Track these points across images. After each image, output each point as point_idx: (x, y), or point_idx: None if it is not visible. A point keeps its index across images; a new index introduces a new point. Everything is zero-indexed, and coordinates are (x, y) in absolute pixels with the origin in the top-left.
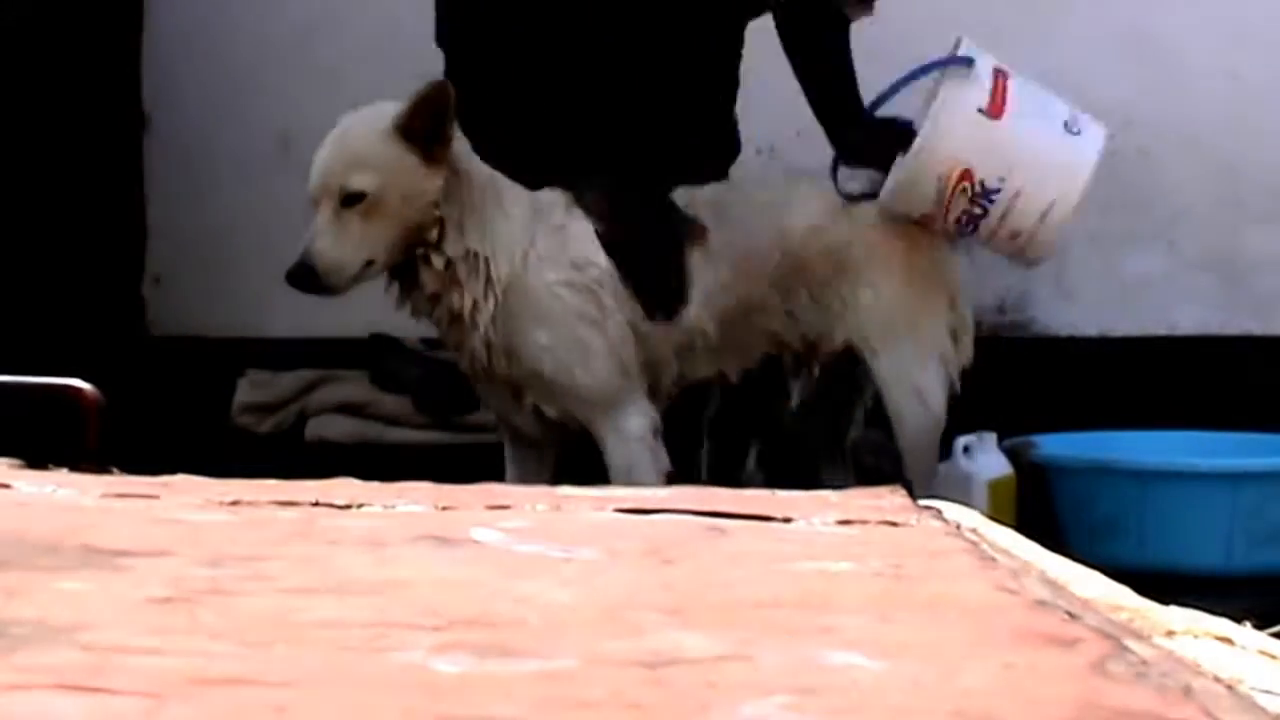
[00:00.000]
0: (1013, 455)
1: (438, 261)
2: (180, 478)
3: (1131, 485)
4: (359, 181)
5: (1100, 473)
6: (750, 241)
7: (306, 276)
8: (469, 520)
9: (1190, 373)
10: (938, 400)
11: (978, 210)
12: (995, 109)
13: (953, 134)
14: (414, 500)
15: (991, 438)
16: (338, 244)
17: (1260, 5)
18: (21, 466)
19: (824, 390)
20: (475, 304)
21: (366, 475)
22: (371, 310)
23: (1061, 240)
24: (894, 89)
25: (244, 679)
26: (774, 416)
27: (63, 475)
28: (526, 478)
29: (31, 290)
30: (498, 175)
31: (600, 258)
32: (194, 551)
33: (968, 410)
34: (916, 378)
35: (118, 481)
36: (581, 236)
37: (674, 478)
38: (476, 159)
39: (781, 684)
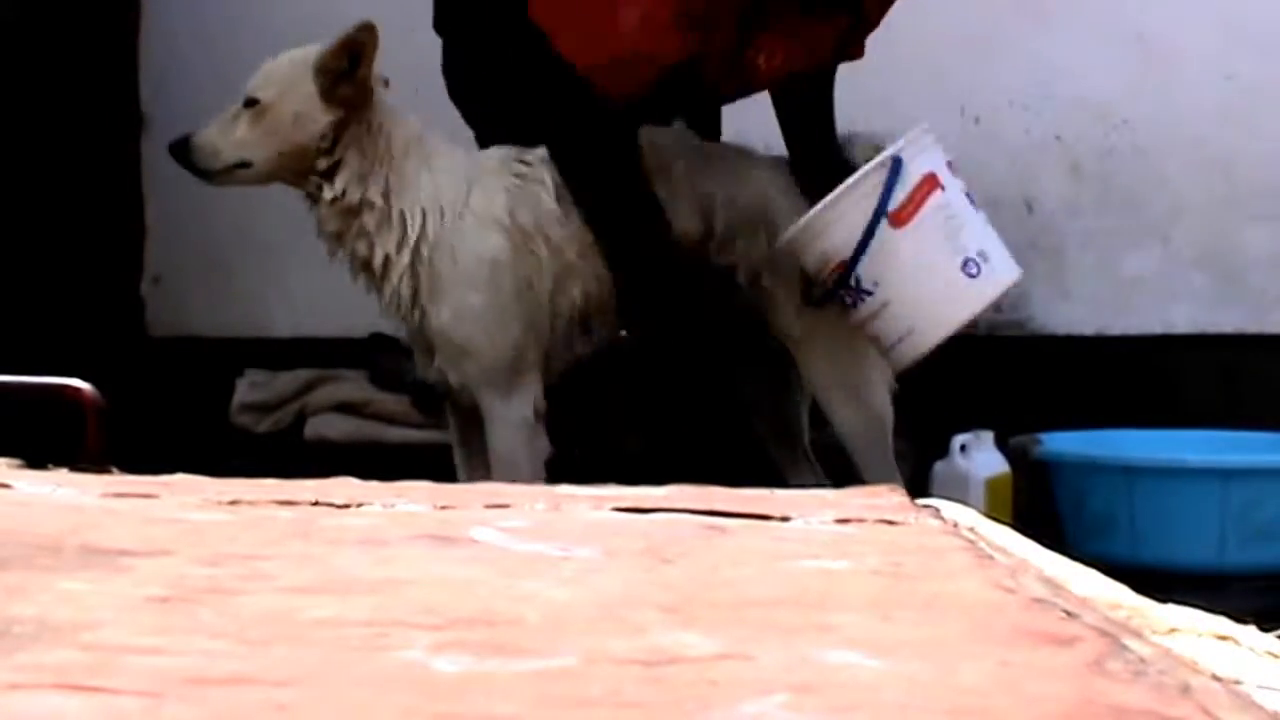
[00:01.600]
0: (1016, 452)
1: (326, 195)
2: (180, 477)
3: (1124, 482)
4: (257, 90)
5: (1093, 469)
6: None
7: (180, 147)
8: (468, 519)
9: (1186, 371)
10: (880, 398)
11: (849, 300)
12: (900, 217)
13: (842, 222)
14: (413, 499)
15: (989, 436)
16: (220, 133)
17: (1256, 4)
18: (21, 466)
19: (766, 387)
20: (388, 258)
21: (365, 475)
22: (371, 310)
23: (937, 347)
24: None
25: (244, 678)
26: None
27: (63, 475)
28: (470, 460)
29: (31, 291)
30: (430, 135)
31: (549, 207)
32: (194, 551)
33: (965, 409)
34: (851, 376)
35: (117, 481)
36: (529, 192)
37: (556, 461)
38: (402, 116)
39: (780, 682)
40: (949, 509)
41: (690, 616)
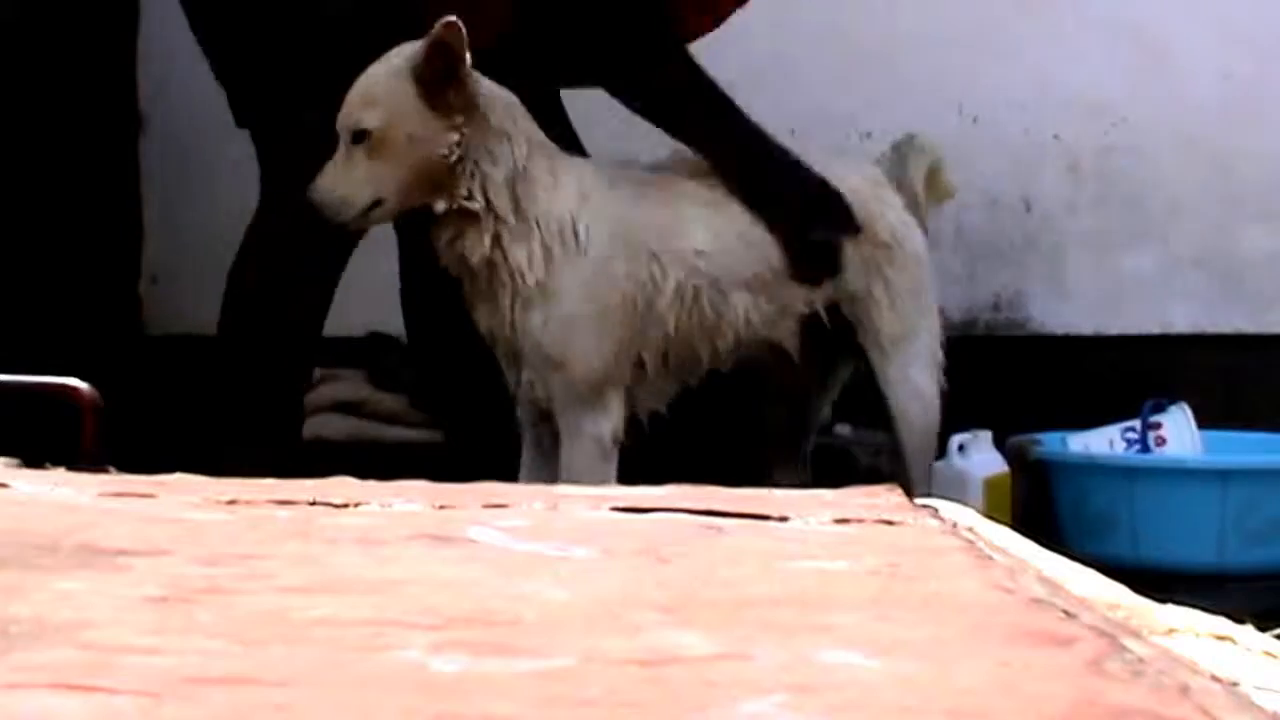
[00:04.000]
0: (1015, 453)
1: (440, 207)
2: (177, 477)
3: (1123, 482)
4: (365, 118)
5: (1093, 470)
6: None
7: (311, 210)
8: (466, 519)
9: (1184, 371)
10: (935, 401)
11: None
12: None
13: None
14: (411, 499)
15: (987, 436)
16: (343, 179)
17: (1255, 4)
18: (19, 466)
19: (796, 386)
20: (510, 266)
21: (364, 474)
22: (370, 310)
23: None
24: None
25: (242, 678)
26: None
27: (60, 474)
28: (536, 467)
29: (28, 290)
30: (545, 140)
31: (665, 223)
32: (192, 550)
33: (963, 409)
34: (917, 380)
35: (115, 480)
36: (627, 205)
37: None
38: (518, 113)
39: (779, 682)
40: (947, 509)
41: (688, 616)
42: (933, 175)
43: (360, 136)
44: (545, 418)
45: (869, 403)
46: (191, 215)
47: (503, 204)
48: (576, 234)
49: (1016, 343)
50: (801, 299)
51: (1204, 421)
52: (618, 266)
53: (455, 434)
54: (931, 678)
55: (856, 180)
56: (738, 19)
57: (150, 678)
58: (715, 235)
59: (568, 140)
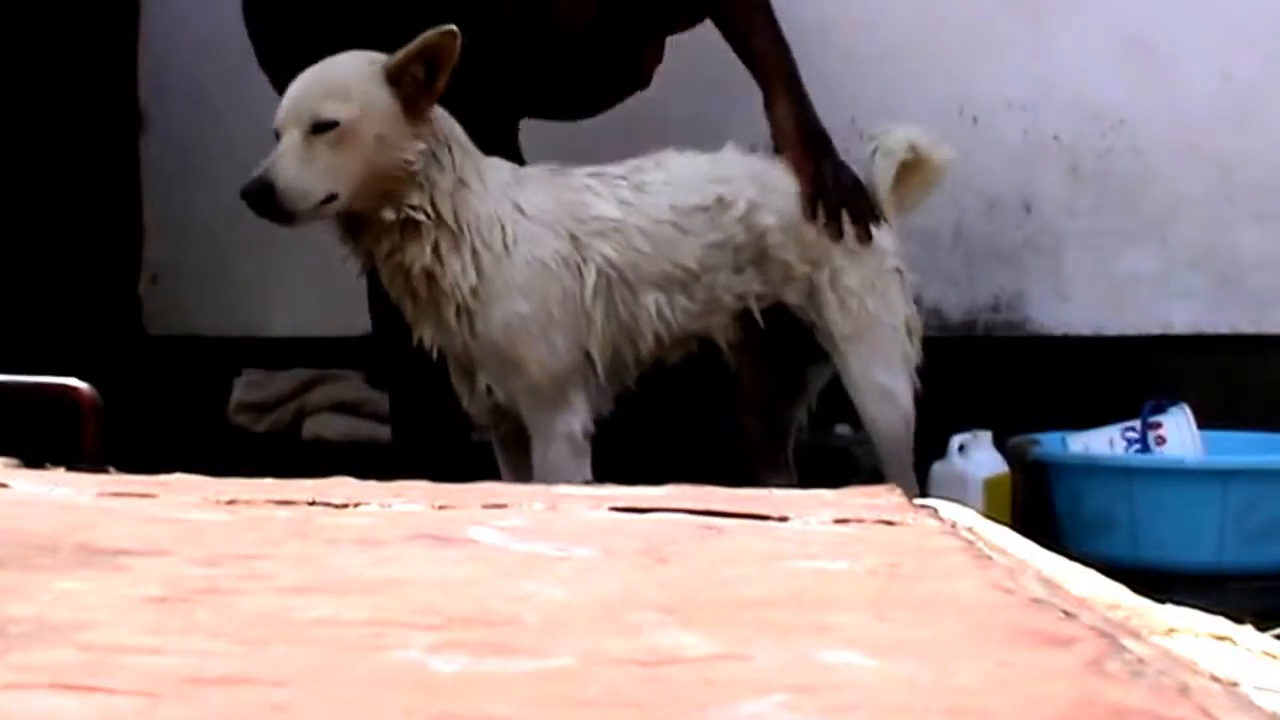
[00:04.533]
0: (1013, 453)
1: (388, 216)
2: (177, 477)
3: (1123, 482)
4: (332, 109)
5: (1092, 470)
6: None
7: (264, 195)
8: (466, 519)
9: (1183, 371)
10: (905, 399)
11: None
12: None
13: None
14: (410, 499)
15: (986, 436)
16: (302, 167)
17: (1253, 5)
18: (18, 466)
19: (766, 389)
20: (456, 278)
21: (363, 474)
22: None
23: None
24: None
25: (241, 678)
26: None
27: (60, 474)
28: (519, 472)
29: (28, 289)
30: (471, 145)
31: (602, 214)
32: (191, 551)
33: (963, 409)
34: (880, 378)
35: (115, 481)
36: (547, 199)
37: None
38: (457, 125)
39: (778, 682)
40: (947, 509)
41: (688, 616)
42: (914, 167)
43: (324, 127)
44: (504, 416)
45: None
46: (191, 215)
47: (447, 213)
48: (504, 233)
49: (1016, 343)
50: (728, 293)
51: (1203, 422)
52: (550, 259)
53: (400, 426)
54: (931, 678)
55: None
56: None
57: (150, 678)
58: (623, 235)
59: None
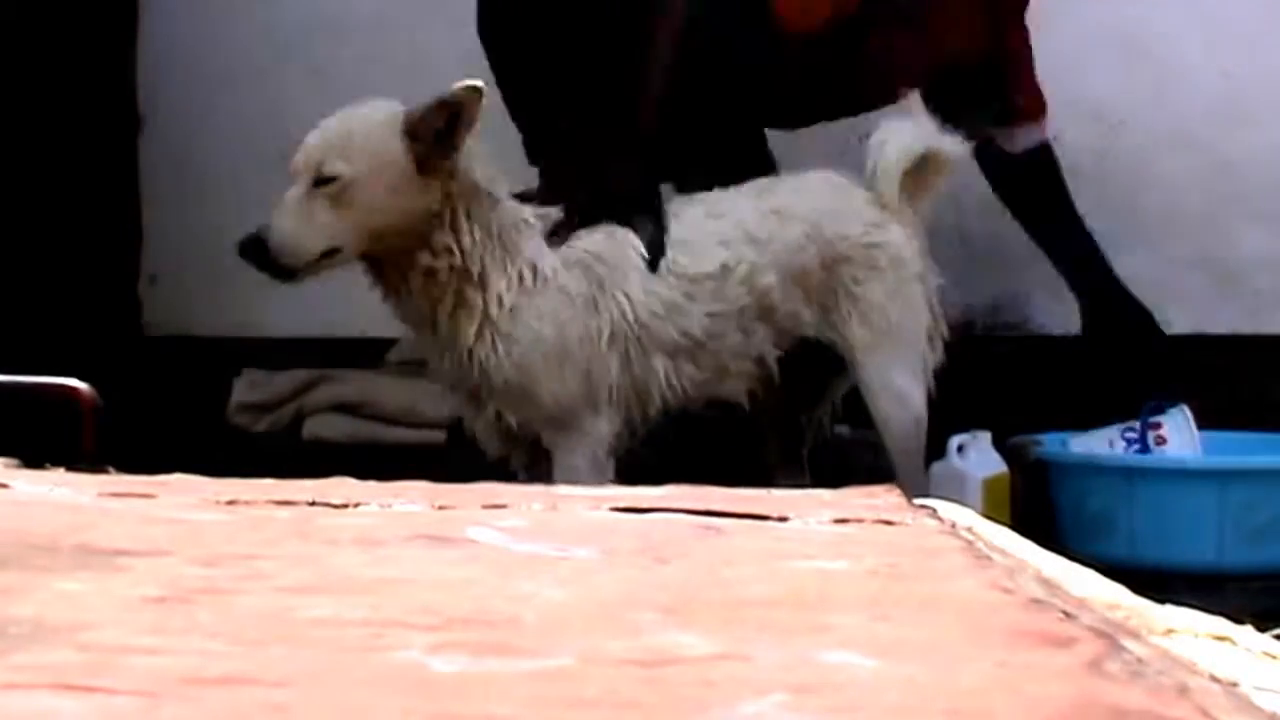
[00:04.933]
0: (1014, 453)
1: (435, 263)
2: (177, 477)
3: (1122, 483)
4: (334, 165)
5: (1091, 470)
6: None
7: (256, 250)
8: (465, 519)
9: (1182, 371)
10: (918, 402)
11: None
12: None
13: None
14: (410, 500)
15: (986, 436)
16: (298, 223)
17: (1251, 4)
18: (18, 466)
19: (786, 393)
20: (480, 323)
21: (363, 475)
22: (369, 310)
23: None
24: None
25: (241, 678)
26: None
27: (59, 475)
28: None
29: (28, 290)
30: (496, 188)
31: (610, 254)
32: (191, 551)
33: (962, 409)
34: (898, 382)
35: (114, 481)
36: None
37: None
38: (488, 170)
39: (778, 682)
40: (947, 509)
41: (688, 617)
42: (924, 163)
43: (325, 181)
44: (516, 442)
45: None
46: (191, 215)
47: (472, 261)
48: (527, 274)
49: (1016, 343)
50: (748, 360)
51: (1202, 422)
52: (574, 295)
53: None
54: (930, 678)
55: (813, 192)
56: None
57: (149, 678)
58: (645, 295)
59: (766, 166)
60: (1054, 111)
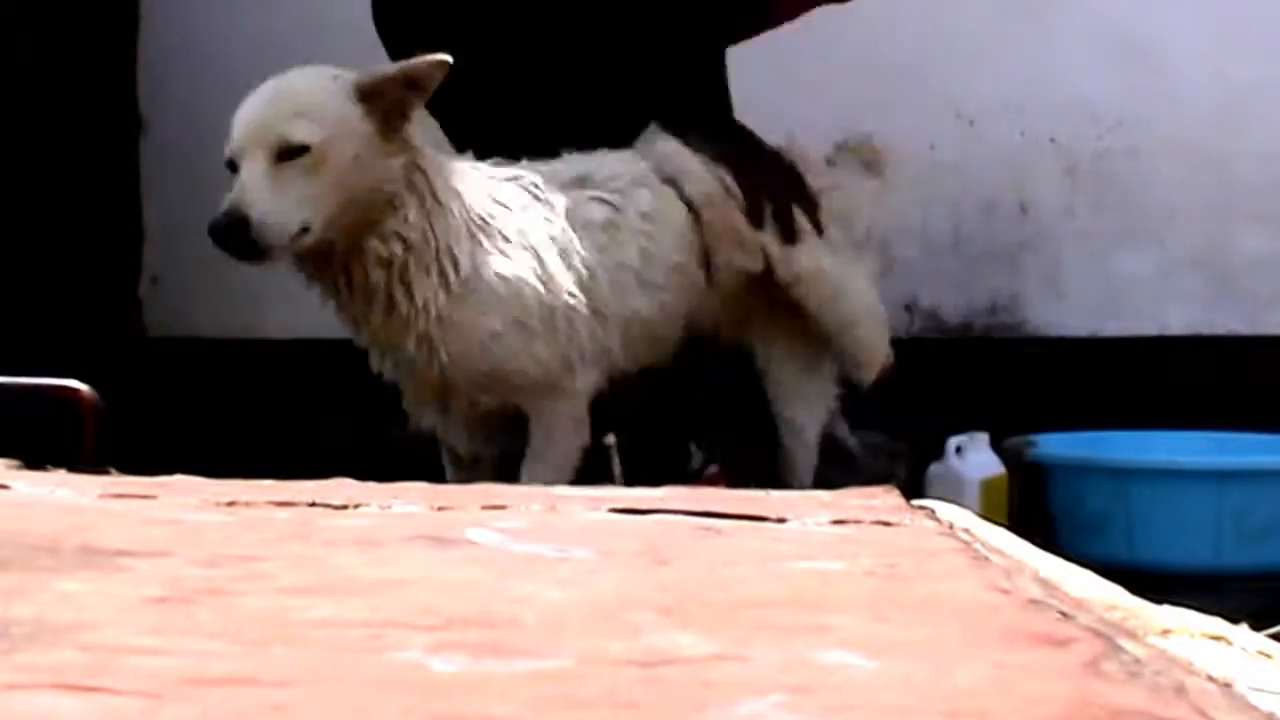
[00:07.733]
0: (1010, 454)
1: (381, 250)
2: (177, 478)
3: (1119, 483)
4: (302, 132)
5: (1089, 471)
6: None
7: (237, 230)
8: (465, 520)
9: (1180, 372)
10: (813, 437)
11: None
12: None
13: None
14: (410, 500)
15: (983, 437)
16: (276, 198)
17: (1249, 6)
18: (20, 467)
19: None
20: (425, 302)
21: (363, 475)
22: None
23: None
24: None
25: (242, 678)
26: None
27: (61, 476)
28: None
29: (29, 292)
30: (444, 157)
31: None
32: (192, 552)
33: (959, 410)
34: (814, 387)
35: (116, 482)
36: (552, 208)
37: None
38: (431, 147)
39: (776, 683)
40: (944, 510)
41: (686, 617)
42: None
43: (292, 153)
44: (486, 438)
45: (867, 403)
46: (191, 216)
47: (417, 237)
48: (475, 250)
49: (1013, 345)
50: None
51: (1200, 422)
52: (524, 274)
53: None
54: (928, 678)
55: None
56: None
57: (151, 678)
58: (591, 274)
59: (722, 104)
60: (1051, 112)
